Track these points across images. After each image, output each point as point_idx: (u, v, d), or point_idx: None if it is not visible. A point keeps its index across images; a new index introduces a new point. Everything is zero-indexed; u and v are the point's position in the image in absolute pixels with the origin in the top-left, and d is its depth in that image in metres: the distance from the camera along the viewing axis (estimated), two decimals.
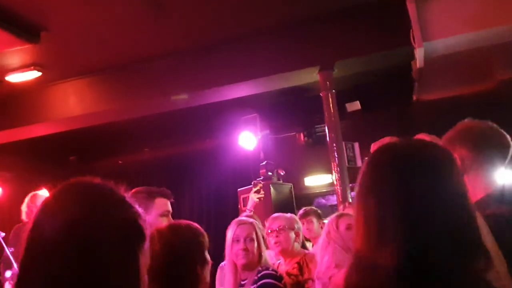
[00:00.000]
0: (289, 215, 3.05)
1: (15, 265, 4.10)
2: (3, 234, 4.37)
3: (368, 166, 0.98)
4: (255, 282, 2.26)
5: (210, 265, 1.54)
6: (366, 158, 1.02)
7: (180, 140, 7.05)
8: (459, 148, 1.56)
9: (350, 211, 3.42)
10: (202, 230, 1.59)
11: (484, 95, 5.32)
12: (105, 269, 0.81)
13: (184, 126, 6.57)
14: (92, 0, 4.01)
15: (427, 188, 0.90)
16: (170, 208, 2.05)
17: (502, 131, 1.60)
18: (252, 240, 2.34)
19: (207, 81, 5.12)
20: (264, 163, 5.51)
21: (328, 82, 4.75)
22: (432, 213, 0.88)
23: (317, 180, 6.63)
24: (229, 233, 2.40)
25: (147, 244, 0.89)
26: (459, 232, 0.88)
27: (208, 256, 1.55)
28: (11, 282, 4.09)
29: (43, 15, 4.15)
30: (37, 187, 5.26)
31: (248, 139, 5.89)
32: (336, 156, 4.64)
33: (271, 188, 5.20)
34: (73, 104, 5.57)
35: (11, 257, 4.05)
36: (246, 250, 2.31)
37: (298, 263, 2.69)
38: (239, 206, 5.33)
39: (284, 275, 2.60)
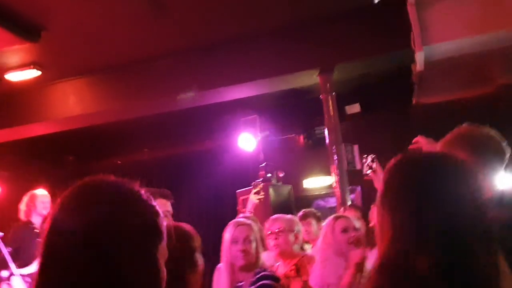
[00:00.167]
0: (289, 216, 3.04)
1: (11, 266, 4.09)
2: (1, 234, 4.37)
3: (395, 177, 1.00)
4: (253, 283, 2.26)
5: (201, 267, 1.51)
6: (389, 168, 1.03)
7: (179, 140, 7.05)
8: (458, 152, 1.57)
9: (350, 213, 3.42)
10: (192, 232, 1.56)
11: (484, 99, 5.32)
12: (124, 269, 0.81)
13: (183, 127, 6.57)
14: (93, 0, 4.01)
15: (455, 198, 0.92)
16: (170, 209, 2.05)
17: (500, 137, 1.62)
18: (250, 241, 2.34)
19: (207, 82, 5.12)
20: (263, 164, 5.50)
21: (328, 85, 4.76)
22: (460, 222, 0.91)
23: (316, 182, 6.63)
24: (227, 234, 2.40)
25: (164, 242, 0.88)
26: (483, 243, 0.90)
27: (198, 259, 1.52)
28: (8, 282, 4.08)
29: (43, 14, 4.15)
30: (35, 186, 5.26)
31: (247, 141, 5.88)
32: (336, 158, 4.65)
33: (270, 189, 5.19)
34: (72, 104, 5.56)
35: (7, 258, 4.04)
36: (245, 251, 2.31)
37: (296, 264, 2.69)
38: (238, 208, 5.32)
39: (282, 277, 2.59)
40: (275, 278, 2.27)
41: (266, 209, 4.79)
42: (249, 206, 3.81)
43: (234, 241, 2.35)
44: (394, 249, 0.92)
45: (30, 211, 4.59)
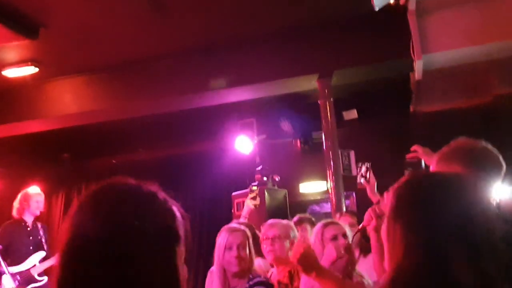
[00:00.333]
0: (285, 222, 3.02)
1: (2, 264, 4.06)
2: None
3: (411, 193, 1.02)
4: None
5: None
6: (403, 184, 1.05)
7: (175, 141, 7.03)
8: (454, 165, 1.58)
9: (345, 220, 3.40)
10: None
11: (481, 109, 5.35)
12: (142, 272, 0.81)
13: (180, 128, 6.55)
14: None
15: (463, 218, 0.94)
16: None
17: (496, 151, 1.63)
18: (244, 247, 2.33)
19: (205, 84, 5.11)
20: (259, 168, 5.50)
21: (326, 90, 4.76)
22: (472, 237, 0.93)
23: (312, 187, 6.62)
24: (221, 240, 2.38)
25: (182, 244, 0.88)
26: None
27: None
28: None
29: (42, 12, 4.13)
30: (30, 183, 5.23)
31: (244, 143, 5.88)
32: (332, 164, 4.64)
33: (266, 193, 5.18)
34: (69, 102, 5.54)
35: None
36: (239, 257, 2.29)
37: (289, 271, 2.67)
38: (232, 211, 5.30)
39: (276, 283, 2.58)
40: (269, 285, 2.26)
41: (261, 213, 4.78)
42: (245, 212, 3.78)
43: (228, 247, 2.33)
44: (407, 263, 0.93)
45: (23, 209, 4.57)
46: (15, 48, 4.61)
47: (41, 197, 4.68)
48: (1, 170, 6.61)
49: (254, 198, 3.51)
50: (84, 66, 5.31)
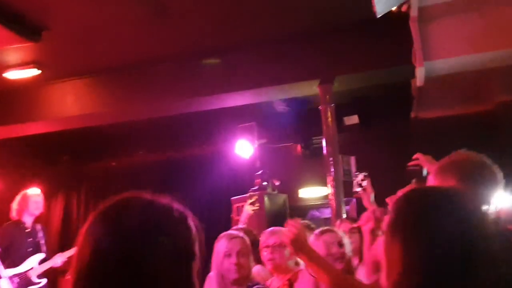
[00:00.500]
0: (285, 230, 2.99)
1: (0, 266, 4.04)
2: None
3: (410, 208, 1.01)
4: None
5: None
6: (402, 198, 1.04)
7: (175, 145, 7.02)
8: (450, 179, 1.58)
9: (345, 226, 3.39)
10: None
11: (482, 116, 5.34)
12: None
13: (180, 131, 6.55)
14: (95, 1, 4.01)
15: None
16: None
17: (492, 165, 1.62)
18: (244, 255, 2.32)
19: (206, 88, 5.11)
20: (259, 172, 5.48)
21: (327, 96, 4.76)
22: (472, 255, 0.92)
23: (311, 192, 6.61)
24: (220, 247, 2.37)
25: (197, 260, 0.88)
26: None
27: None
28: None
29: (45, 14, 4.14)
30: (29, 184, 5.22)
31: (244, 148, 5.86)
32: (332, 170, 4.64)
33: (266, 198, 5.17)
34: (70, 104, 5.54)
35: None
36: (239, 265, 2.28)
37: (289, 279, 2.66)
38: (232, 215, 5.29)
39: None
40: None
41: (261, 218, 4.77)
42: (243, 217, 3.77)
43: (227, 254, 2.32)
44: (406, 281, 0.93)
45: (22, 211, 4.55)
46: (17, 50, 4.62)
47: (40, 198, 4.67)
48: (1, 171, 6.60)
49: (253, 204, 3.50)
50: (86, 69, 5.32)
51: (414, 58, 3.91)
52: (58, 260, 4.48)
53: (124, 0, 4.00)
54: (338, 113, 4.93)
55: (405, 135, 5.62)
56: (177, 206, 0.90)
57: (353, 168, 5.24)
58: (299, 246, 1.92)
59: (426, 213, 0.97)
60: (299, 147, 6.46)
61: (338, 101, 4.88)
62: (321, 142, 5.06)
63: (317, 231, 2.44)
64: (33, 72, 5.10)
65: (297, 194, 6.59)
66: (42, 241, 4.60)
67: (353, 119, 6.04)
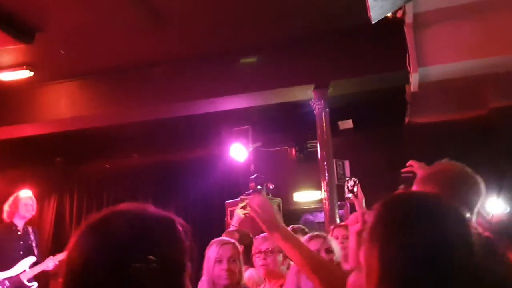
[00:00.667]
0: None
1: None
2: None
3: (387, 214, 1.00)
4: None
5: None
6: (382, 205, 1.03)
7: (169, 148, 7.00)
8: (432, 188, 1.59)
9: (338, 232, 3.38)
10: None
11: (475, 121, 5.38)
12: None
13: (174, 134, 6.53)
14: (89, 4, 3.99)
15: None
16: None
17: (474, 175, 1.64)
18: (235, 261, 2.31)
19: (201, 91, 5.10)
20: (254, 176, 5.48)
21: (322, 100, 4.77)
22: (450, 261, 0.91)
23: (305, 196, 6.61)
24: (211, 253, 2.36)
25: (188, 269, 0.87)
26: None
27: None
28: None
29: (39, 16, 4.12)
30: (21, 186, 5.17)
31: (239, 151, 5.86)
32: (327, 174, 4.64)
33: None
34: (63, 106, 5.51)
35: None
36: (229, 271, 2.28)
37: (281, 285, 2.64)
38: (225, 219, 5.27)
39: None
40: None
41: (254, 222, 4.75)
42: (234, 221, 3.76)
43: (218, 260, 2.32)
44: None
45: (13, 213, 4.51)
46: (10, 51, 4.59)
47: (31, 201, 4.62)
48: None
49: (244, 207, 3.48)
50: (79, 71, 5.29)
51: (409, 64, 3.93)
52: (50, 263, 4.44)
53: (117, 3, 3.99)
54: (332, 118, 4.94)
55: (399, 140, 5.64)
56: (167, 216, 0.89)
57: (347, 172, 5.25)
58: (270, 219, 1.71)
59: (404, 220, 0.95)
60: (293, 151, 6.47)
61: (332, 106, 4.89)
62: (315, 146, 5.07)
63: (306, 236, 2.43)
64: (26, 74, 5.07)
65: (291, 198, 6.59)
66: (34, 244, 4.55)
67: (348, 124, 6.07)
